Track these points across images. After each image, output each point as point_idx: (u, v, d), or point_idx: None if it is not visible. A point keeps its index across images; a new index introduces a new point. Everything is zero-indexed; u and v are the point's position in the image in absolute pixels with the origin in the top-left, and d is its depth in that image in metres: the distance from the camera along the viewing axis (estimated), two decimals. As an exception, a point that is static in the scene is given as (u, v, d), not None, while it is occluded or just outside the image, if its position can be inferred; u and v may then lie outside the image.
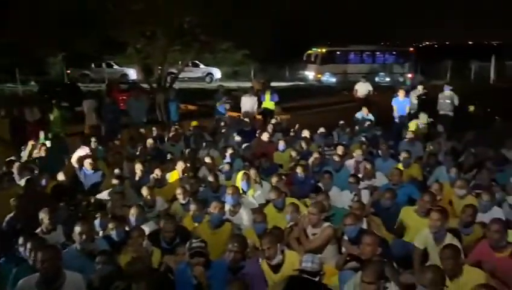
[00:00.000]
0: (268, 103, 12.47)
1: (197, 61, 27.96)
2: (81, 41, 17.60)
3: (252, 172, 6.57)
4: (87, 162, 7.06)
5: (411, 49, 30.49)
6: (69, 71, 26.63)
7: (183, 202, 5.86)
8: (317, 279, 3.47)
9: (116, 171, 7.07)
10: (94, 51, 20.94)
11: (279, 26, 25.21)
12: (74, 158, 7.58)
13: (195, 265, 3.81)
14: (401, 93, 11.64)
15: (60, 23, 14.92)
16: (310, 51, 28.96)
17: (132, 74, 27.63)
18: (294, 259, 3.84)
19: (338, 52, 28.76)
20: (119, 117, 11.12)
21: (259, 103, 12.67)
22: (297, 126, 10.42)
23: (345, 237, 4.64)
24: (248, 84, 21.02)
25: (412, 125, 10.33)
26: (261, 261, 4.18)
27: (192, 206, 5.31)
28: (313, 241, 4.72)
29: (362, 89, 13.78)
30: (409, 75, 27.91)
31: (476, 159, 7.74)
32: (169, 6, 16.18)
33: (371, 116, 11.12)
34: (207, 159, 7.52)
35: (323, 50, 28.08)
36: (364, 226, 5.08)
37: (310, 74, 28.97)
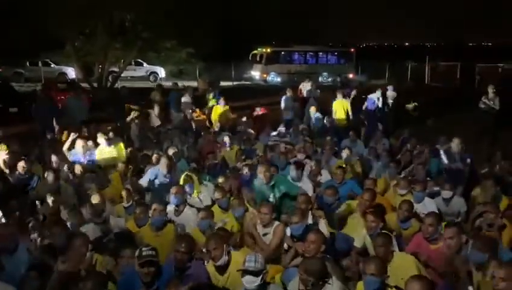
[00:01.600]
0: (214, 101, 12.46)
1: (140, 60, 27.28)
2: (11, 35, 16.48)
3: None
4: (20, 166, 6.65)
5: (352, 50, 31.51)
6: (0, 69, 25.02)
7: (127, 205, 5.68)
8: (260, 278, 3.48)
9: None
10: (28, 47, 19.77)
11: (223, 25, 25.15)
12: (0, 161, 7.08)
13: (145, 274, 3.66)
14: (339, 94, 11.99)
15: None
16: (255, 51, 29.16)
17: (71, 72, 26.41)
18: (240, 260, 3.82)
19: (282, 53, 29.16)
20: (56, 117, 10.58)
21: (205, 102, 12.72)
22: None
23: (288, 234, 4.71)
24: (194, 84, 20.79)
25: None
26: (206, 263, 4.13)
27: (137, 210, 5.14)
28: (271, 244, 4.73)
29: (306, 88, 14.13)
30: (350, 75, 28.94)
31: (412, 155, 8.17)
32: (108, 1, 15.66)
33: (318, 115, 11.37)
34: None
35: (268, 50, 28.37)
36: (310, 221, 5.18)
37: (256, 74, 29.20)
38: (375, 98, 11.93)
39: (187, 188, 6.01)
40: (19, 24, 16.03)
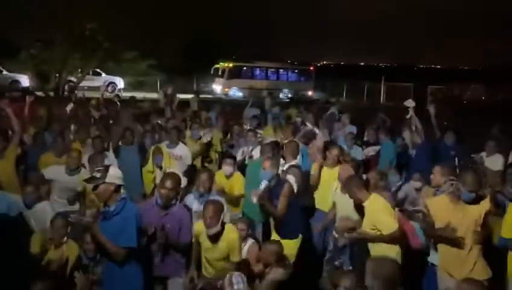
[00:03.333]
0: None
1: (98, 70, 26.63)
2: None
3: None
4: None
5: (311, 68, 32.27)
6: None
7: None
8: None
9: None
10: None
11: (186, 38, 25.16)
12: None
13: None
14: None
15: None
16: (217, 65, 29.26)
17: (24, 80, 25.30)
18: (232, 235, 4.00)
19: (244, 68, 29.47)
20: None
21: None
22: None
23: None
24: (154, 95, 20.52)
25: None
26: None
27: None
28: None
29: (268, 104, 14.27)
30: (309, 92, 29.63)
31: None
32: (69, 9, 15.36)
33: None
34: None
35: (230, 65, 28.58)
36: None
37: (217, 88, 29.24)
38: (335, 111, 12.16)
39: (156, 161, 6.11)
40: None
